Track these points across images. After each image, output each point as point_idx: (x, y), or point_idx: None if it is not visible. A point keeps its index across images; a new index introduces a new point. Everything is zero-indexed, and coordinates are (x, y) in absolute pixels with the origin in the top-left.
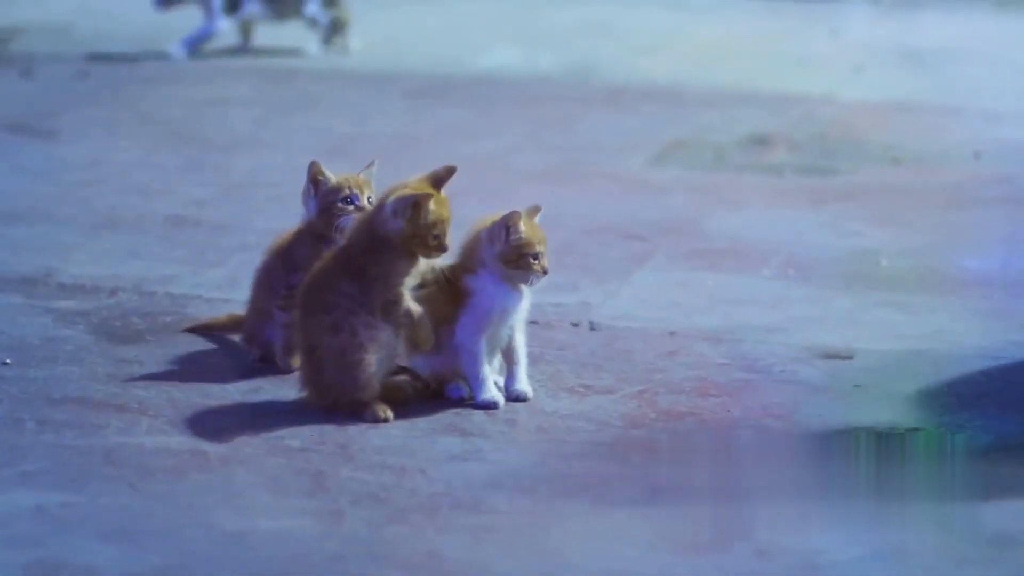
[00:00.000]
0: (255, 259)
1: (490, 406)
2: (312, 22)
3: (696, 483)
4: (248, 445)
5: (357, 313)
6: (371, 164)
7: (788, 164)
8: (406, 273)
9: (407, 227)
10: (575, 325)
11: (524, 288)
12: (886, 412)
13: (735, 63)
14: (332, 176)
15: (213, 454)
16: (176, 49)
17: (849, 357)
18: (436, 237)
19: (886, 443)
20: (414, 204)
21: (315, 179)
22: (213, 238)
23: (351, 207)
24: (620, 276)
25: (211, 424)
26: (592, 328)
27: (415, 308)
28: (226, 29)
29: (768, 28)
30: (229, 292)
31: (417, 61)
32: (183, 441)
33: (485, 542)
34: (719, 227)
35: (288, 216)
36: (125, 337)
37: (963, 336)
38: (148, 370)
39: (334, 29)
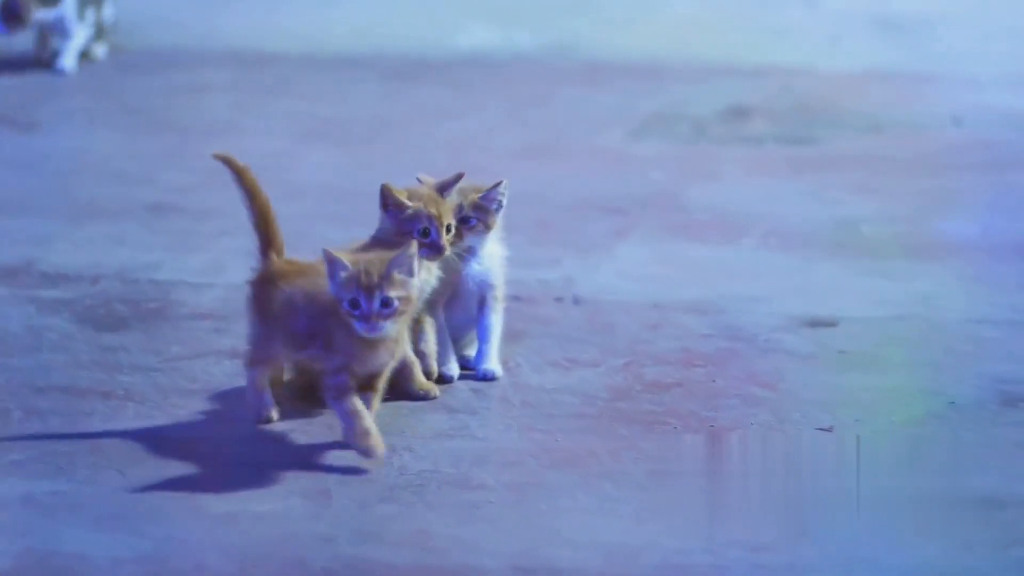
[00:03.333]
0: (238, 244)
1: (446, 379)
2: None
3: (684, 454)
4: (235, 428)
5: None
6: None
7: (768, 135)
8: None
9: (391, 223)
10: (559, 300)
11: (469, 261)
12: (872, 378)
13: (712, 36)
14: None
15: (200, 438)
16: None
17: (833, 324)
18: (423, 233)
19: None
20: (381, 194)
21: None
22: (195, 224)
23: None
24: (602, 250)
25: (197, 408)
26: (576, 302)
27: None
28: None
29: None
30: (213, 277)
31: (393, 42)
32: (169, 426)
33: (474, 518)
34: (700, 199)
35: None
36: (109, 324)
37: (946, 301)
38: (133, 356)
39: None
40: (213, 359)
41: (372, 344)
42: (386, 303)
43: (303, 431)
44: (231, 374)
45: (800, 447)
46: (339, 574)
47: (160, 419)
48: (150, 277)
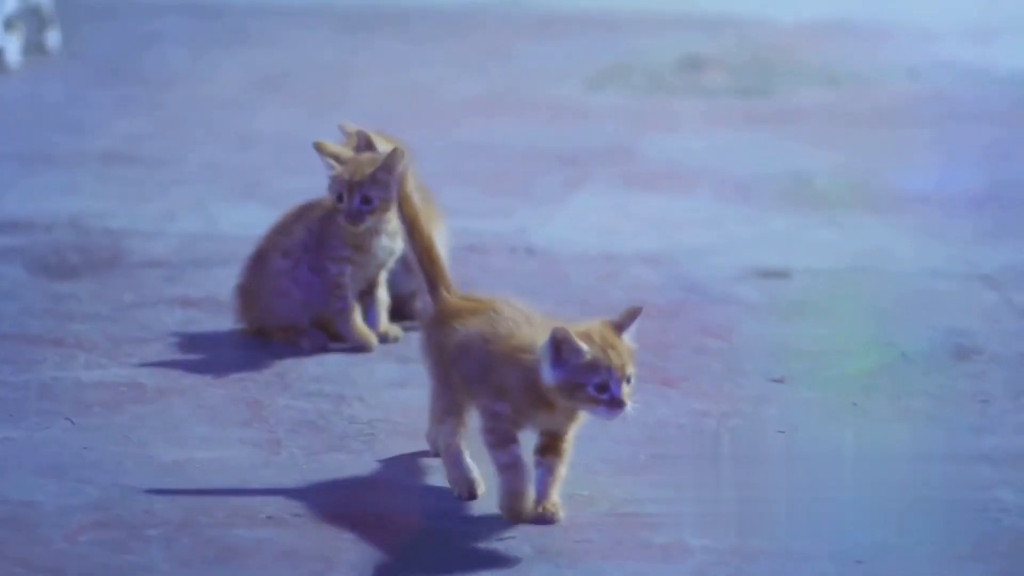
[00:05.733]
0: (191, 193)
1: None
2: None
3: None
4: (185, 376)
5: (310, 251)
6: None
7: (723, 86)
8: (351, 247)
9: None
10: (512, 250)
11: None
12: (824, 329)
13: None
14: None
15: (150, 386)
16: None
17: (786, 276)
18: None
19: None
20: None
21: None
22: (149, 173)
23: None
24: (557, 201)
25: (148, 356)
26: (529, 253)
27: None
28: None
29: None
30: (165, 226)
31: None
32: (120, 374)
33: (424, 467)
34: (655, 150)
35: (223, 151)
36: (61, 272)
37: (900, 253)
38: (84, 305)
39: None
40: (164, 307)
41: (554, 404)
42: (629, 380)
43: (253, 380)
44: (182, 322)
45: (751, 398)
46: (287, 523)
47: (111, 367)
48: (103, 226)
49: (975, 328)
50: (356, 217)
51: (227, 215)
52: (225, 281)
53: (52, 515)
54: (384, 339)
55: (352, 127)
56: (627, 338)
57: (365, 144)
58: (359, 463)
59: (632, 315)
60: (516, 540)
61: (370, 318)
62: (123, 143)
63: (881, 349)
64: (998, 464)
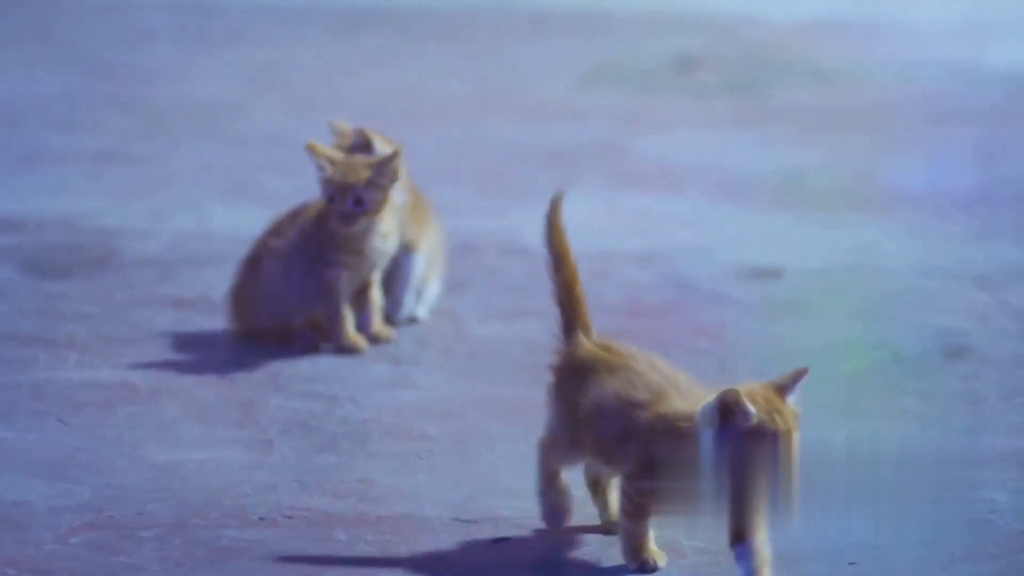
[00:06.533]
0: (183, 192)
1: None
2: None
3: None
4: (177, 377)
5: (303, 254)
6: None
7: (714, 85)
8: (344, 250)
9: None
10: (504, 249)
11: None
12: (817, 329)
13: None
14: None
15: (142, 386)
16: None
17: (778, 275)
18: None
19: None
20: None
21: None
22: (140, 172)
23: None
24: (548, 200)
25: (140, 356)
26: (521, 252)
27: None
28: None
29: None
30: (158, 225)
31: None
32: (111, 374)
33: (416, 468)
34: (647, 149)
35: (215, 150)
36: (53, 272)
37: (891, 252)
38: (76, 304)
39: None
40: (157, 307)
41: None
42: None
43: (245, 380)
44: (174, 322)
45: None
46: (279, 523)
47: (102, 367)
48: (94, 225)
49: (967, 328)
50: (347, 219)
51: (219, 214)
52: (218, 281)
53: (43, 516)
54: (376, 340)
55: (345, 126)
56: (792, 401)
57: (364, 143)
58: (351, 464)
59: (797, 377)
60: (510, 544)
61: (363, 319)
62: (114, 142)
63: (873, 349)
64: (990, 465)
